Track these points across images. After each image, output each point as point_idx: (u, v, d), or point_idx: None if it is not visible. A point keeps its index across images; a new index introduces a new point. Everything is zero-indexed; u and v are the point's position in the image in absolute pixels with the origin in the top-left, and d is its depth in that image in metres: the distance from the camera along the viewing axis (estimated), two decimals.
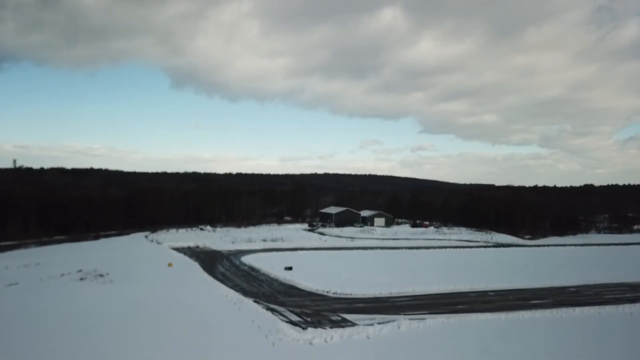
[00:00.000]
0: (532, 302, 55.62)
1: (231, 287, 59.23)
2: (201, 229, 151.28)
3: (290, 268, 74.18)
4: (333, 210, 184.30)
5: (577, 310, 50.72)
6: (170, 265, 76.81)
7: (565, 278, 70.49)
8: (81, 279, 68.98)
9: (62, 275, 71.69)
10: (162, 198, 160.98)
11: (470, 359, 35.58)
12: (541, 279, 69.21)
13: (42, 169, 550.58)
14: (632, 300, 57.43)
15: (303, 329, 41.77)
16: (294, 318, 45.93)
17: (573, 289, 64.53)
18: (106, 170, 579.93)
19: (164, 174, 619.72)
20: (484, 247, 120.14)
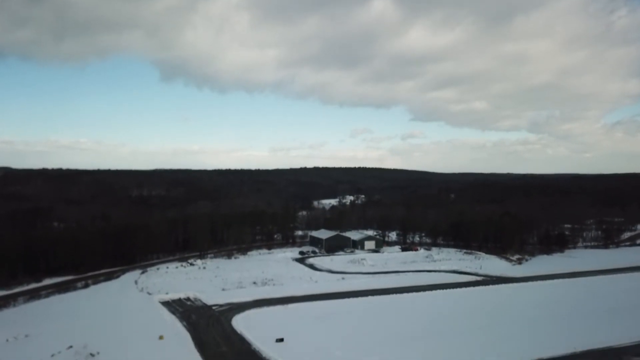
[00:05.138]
0: None
1: None
2: (191, 264, 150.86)
3: (281, 340, 74.48)
4: (323, 235, 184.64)
5: None
6: (161, 338, 76.63)
7: (552, 345, 71.32)
8: None
9: (52, 356, 71.33)
10: (151, 233, 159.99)
11: None
12: (528, 347, 69.96)
13: (28, 174, 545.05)
14: None
15: None
16: None
17: None
18: (92, 174, 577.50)
19: (153, 173, 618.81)
20: (474, 284, 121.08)
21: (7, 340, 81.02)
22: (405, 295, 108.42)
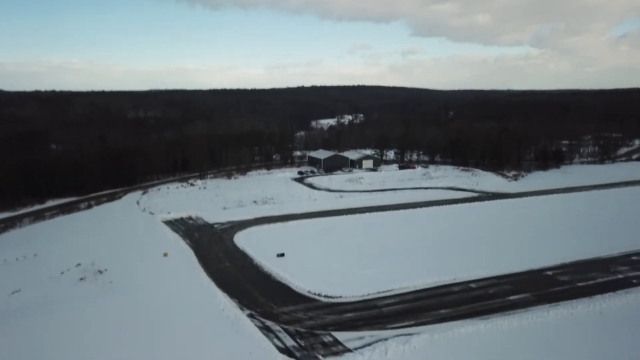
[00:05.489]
0: (511, 298, 59.43)
1: (227, 293, 61.98)
2: (191, 185, 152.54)
3: (282, 255, 77.23)
4: (322, 155, 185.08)
5: (551, 313, 54.42)
6: (165, 255, 79.30)
7: (542, 256, 74.26)
8: (81, 279, 71.59)
9: (62, 273, 74.23)
10: (149, 154, 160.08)
11: None
12: (520, 259, 72.93)
13: (20, 97, 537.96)
14: (604, 289, 61.61)
15: None
16: (289, 342, 49.21)
17: (550, 273, 68.44)
18: (87, 96, 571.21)
19: (148, 94, 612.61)
20: (470, 200, 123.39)
21: (17, 259, 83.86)
22: (401, 211, 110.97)
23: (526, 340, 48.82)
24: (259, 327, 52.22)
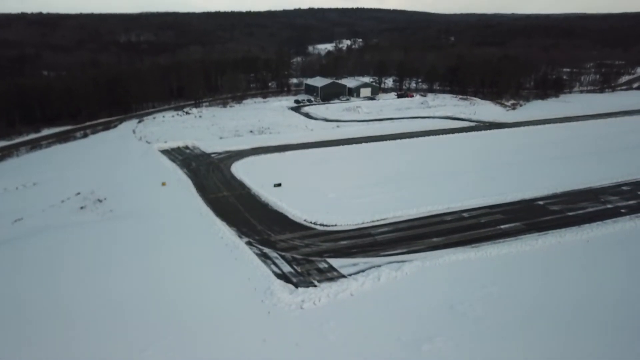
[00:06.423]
0: (502, 227, 61.16)
1: (225, 222, 63.51)
2: (187, 113, 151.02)
3: (279, 185, 78.23)
4: (319, 82, 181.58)
5: (540, 241, 56.32)
6: (164, 184, 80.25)
7: (535, 186, 75.55)
8: (81, 207, 72.99)
9: (62, 202, 75.64)
10: (144, 80, 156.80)
11: (439, 319, 41.88)
12: (513, 189, 74.21)
13: (6, 19, 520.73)
14: (592, 218, 63.31)
15: (295, 287, 47.22)
16: (286, 269, 51.21)
17: (541, 202, 69.95)
18: (76, 18, 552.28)
19: (140, 17, 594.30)
20: (467, 129, 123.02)
21: (17, 188, 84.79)
22: (397, 141, 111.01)
23: (514, 266, 50.91)
24: (257, 254, 54.06)
